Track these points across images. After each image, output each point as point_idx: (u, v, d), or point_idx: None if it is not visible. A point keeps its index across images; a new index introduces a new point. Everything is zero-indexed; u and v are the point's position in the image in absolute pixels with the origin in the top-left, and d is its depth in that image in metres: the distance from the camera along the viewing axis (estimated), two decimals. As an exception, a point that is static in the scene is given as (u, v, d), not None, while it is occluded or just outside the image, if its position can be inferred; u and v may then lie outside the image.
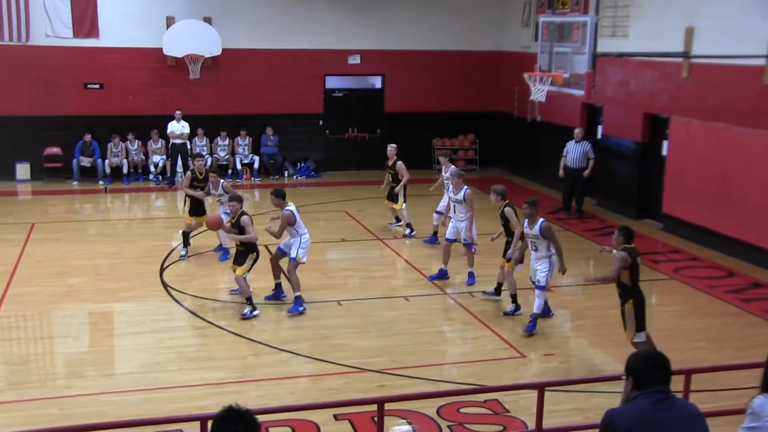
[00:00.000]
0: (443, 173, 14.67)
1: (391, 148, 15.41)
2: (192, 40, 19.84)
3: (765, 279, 12.95)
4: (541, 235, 10.40)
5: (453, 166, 14.05)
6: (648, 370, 4.30)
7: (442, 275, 12.66)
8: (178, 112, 19.83)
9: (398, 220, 15.75)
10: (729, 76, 14.16)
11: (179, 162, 20.17)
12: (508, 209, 11.47)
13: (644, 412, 4.16)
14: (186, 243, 13.80)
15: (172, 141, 20.01)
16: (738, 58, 13.50)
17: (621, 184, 17.25)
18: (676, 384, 6.79)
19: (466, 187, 12.61)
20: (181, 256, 13.66)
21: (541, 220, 10.49)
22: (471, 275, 12.57)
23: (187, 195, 13.76)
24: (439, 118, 22.44)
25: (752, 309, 11.69)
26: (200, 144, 20.71)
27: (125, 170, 20.25)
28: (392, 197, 15.30)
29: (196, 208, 13.73)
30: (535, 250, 10.58)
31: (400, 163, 15.09)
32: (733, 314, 11.50)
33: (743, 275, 13.22)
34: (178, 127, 19.87)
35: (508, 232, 11.49)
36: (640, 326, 8.96)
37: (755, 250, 13.57)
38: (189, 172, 14.09)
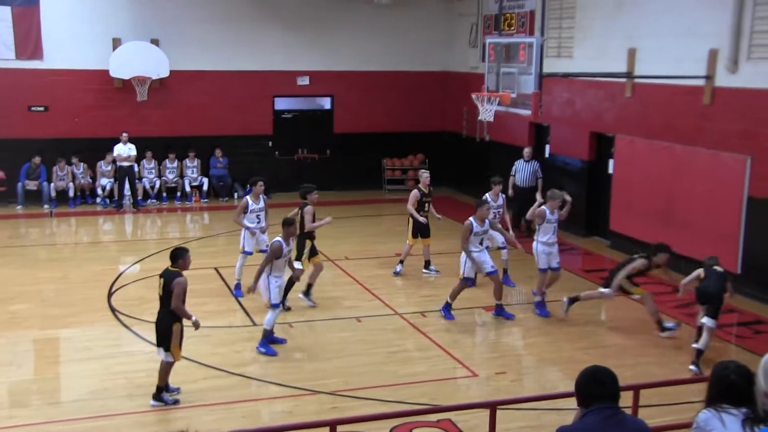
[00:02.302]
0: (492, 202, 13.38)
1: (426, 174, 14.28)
2: (139, 62, 19.67)
3: (710, 294, 13.18)
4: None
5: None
6: (594, 386, 4.34)
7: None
8: (124, 135, 19.59)
9: (428, 263, 14.38)
10: (670, 96, 14.47)
11: (126, 185, 19.93)
12: None
13: (593, 429, 4.20)
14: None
15: (119, 164, 19.75)
16: (679, 79, 13.82)
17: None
18: (626, 400, 6.89)
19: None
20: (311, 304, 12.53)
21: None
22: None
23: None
24: (389, 138, 22.54)
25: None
26: (148, 166, 20.51)
27: (71, 194, 19.93)
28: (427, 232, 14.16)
29: (313, 249, 12.40)
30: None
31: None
32: (681, 329, 11.68)
33: (689, 291, 13.42)
34: (124, 150, 19.64)
35: None
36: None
37: (698, 265, 13.79)
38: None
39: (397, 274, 14.07)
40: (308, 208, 12.18)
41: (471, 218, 11.67)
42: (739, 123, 13.05)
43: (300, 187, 12.54)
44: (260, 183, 12.86)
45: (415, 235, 13.89)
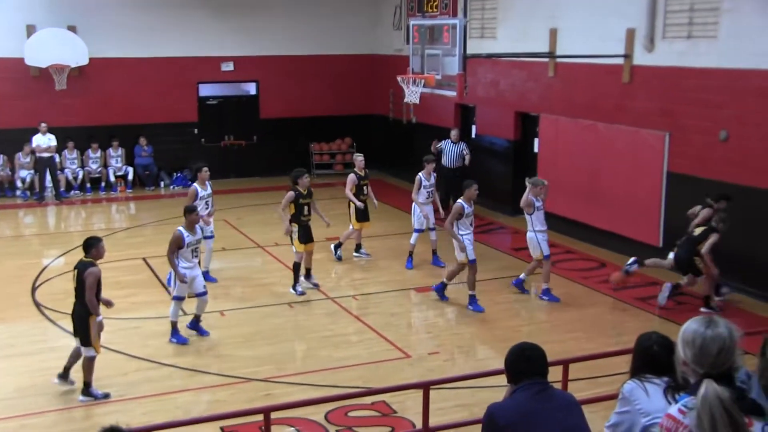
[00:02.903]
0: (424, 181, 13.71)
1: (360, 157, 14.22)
2: (56, 49, 19.09)
3: (634, 268, 13.54)
4: None
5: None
6: (522, 363, 4.43)
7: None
8: (43, 125, 19.05)
9: (359, 246, 14.35)
10: (592, 75, 14.76)
11: (47, 176, 19.42)
12: None
13: (524, 405, 4.28)
14: (297, 277, 12.35)
15: (38, 155, 19.21)
16: (599, 58, 14.09)
17: (496, 181, 17.66)
18: (556, 375, 7.04)
19: None
20: (299, 293, 12.29)
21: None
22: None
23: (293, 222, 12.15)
24: (316, 122, 22.45)
25: (623, 297, 12.21)
26: (70, 157, 20.04)
27: (-11, 186, 19.36)
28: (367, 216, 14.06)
29: (307, 234, 12.22)
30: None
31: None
32: (607, 303, 11.99)
33: (614, 265, 13.75)
34: (44, 140, 19.10)
35: None
36: None
37: (624, 241, 14.17)
38: (290, 193, 12.10)
39: (339, 258, 14.07)
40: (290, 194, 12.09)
41: (460, 200, 11.60)
42: (657, 101, 13.39)
43: (291, 172, 12.44)
44: (205, 169, 12.81)
45: (359, 219, 13.76)
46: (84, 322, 8.67)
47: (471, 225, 11.79)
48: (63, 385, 8.97)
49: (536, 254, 12.05)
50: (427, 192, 13.64)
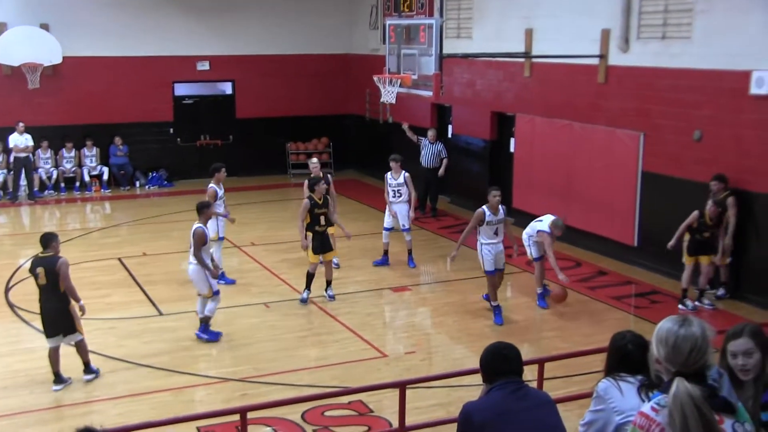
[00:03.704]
0: (390, 179, 13.60)
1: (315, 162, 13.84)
2: (29, 47, 18.86)
3: (609, 267, 13.64)
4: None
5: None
6: (498, 362, 4.45)
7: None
8: (20, 125, 18.87)
9: None
10: (568, 75, 14.83)
11: (23, 176, 19.23)
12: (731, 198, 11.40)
13: (499, 403, 4.30)
14: (308, 285, 11.84)
15: (15, 155, 19.00)
16: (574, 58, 14.17)
17: (472, 181, 17.71)
18: (532, 372, 7.08)
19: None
20: (302, 300, 11.86)
21: (503, 206, 11.16)
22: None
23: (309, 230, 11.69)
24: (293, 122, 22.39)
25: (599, 296, 12.29)
26: (44, 156, 19.85)
27: (-39, 187, 19.14)
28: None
29: (323, 244, 11.74)
30: (496, 234, 11.07)
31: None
32: (582, 302, 12.05)
33: (590, 264, 13.88)
34: (21, 140, 18.91)
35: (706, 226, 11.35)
36: None
37: (599, 240, 14.27)
38: (306, 201, 11.70)
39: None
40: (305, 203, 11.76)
41: (484, 207, 11.05)
42: (632, 101, 13.48)
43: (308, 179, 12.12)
44: (224, 169, 12.87)
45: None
46: (65, 313, 8.88)
47: (496, 234, 11.09)
48: (63, 388, 9.02)
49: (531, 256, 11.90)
50: (393, 191, 13.59)
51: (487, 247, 11.07)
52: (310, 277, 11.78)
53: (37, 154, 19.76)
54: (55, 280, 8.73)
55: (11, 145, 18.91)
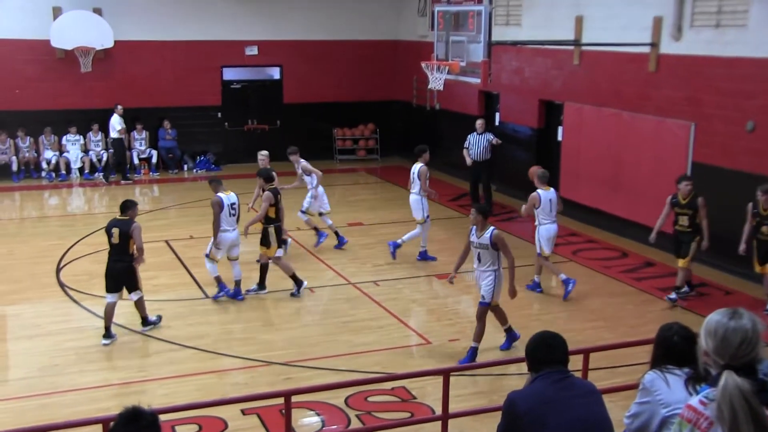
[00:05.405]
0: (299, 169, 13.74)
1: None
2: (82, 31, 19.19)
3: (655, 258, 13.46)
4: (491, 244, 9.22)
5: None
6: (543, 351, 4.43)
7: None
8: (119, 107, 19.30)
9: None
10: (617, 63, 14.63)
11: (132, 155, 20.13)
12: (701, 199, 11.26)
13: (544, 393, 4.28)
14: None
15: (113, 136, 19.42)
16: (625, 46, 13.96)
17: (519, 169, 17.47)
18: (577, 363, 7.03)
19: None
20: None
21: (492, 228, 9.31)
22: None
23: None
24: (339, 108, 22.44)
25: (645, 287, 12.15)
26: (95, 139, 20.16)
27: (15, 168, 19.51)
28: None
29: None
30: (479, 261, 9.42)
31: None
32: (628, 293, 11.92)
33: (636, 255, 13.72)
34: (120, 122, 19.36)
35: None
36: None
37: (646, 231, 14.04)
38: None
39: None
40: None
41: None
42: (684, 90, 13.26)
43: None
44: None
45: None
46: (131, 272, 9.87)
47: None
48: (110, 344, 9.77)
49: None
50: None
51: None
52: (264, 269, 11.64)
53: (89, 137, 20.10)
54: (126, 242, 9.72)
55: (119, 127, 19.26)
